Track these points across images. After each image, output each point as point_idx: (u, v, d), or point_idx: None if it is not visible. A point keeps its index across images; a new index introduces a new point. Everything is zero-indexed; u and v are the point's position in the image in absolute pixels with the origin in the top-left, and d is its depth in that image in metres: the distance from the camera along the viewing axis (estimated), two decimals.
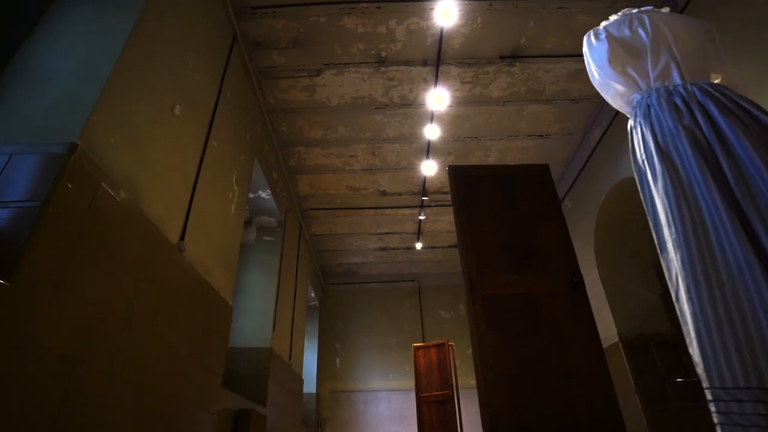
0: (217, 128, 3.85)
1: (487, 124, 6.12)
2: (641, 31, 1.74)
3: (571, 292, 2.60)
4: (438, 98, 5.39)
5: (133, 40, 2.55)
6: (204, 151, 3.56)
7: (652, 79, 1.66)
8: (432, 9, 4.54)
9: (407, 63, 5.14)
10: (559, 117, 6.07)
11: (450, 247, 9.40)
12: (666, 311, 5.79)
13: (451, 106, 5.73)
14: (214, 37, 3.86)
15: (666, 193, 1.43)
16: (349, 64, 5.14)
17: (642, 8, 1.90)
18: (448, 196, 7.44)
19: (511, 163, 6.86)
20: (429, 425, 6.36)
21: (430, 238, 8.95)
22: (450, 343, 7.04)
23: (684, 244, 1.33)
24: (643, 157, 1.59)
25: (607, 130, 5.82)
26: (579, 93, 5.68)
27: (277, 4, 4.44)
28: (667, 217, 1.41)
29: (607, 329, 5.94)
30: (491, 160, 6.81)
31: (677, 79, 1.62)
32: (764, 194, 1.28)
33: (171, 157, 3.02)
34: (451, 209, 7.94)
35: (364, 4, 4.52)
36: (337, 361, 9.35)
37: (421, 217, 7.96)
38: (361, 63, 5.13)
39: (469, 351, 9.80)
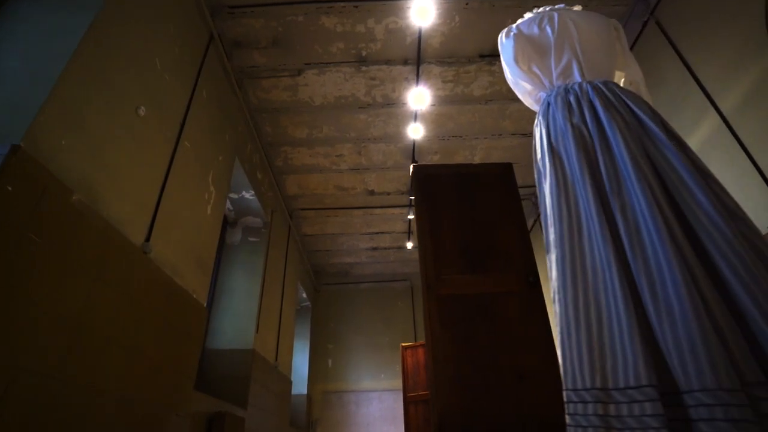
0: (191, 129, 3.83)
1: (470, 123, 6.08)
2: (548, 29, 1.74)
3: (527, 291, 2.56)
4: (420, 97, 5.36)
5: (89, 40, 2.52)
6: (174, 152, 3.54)
7: (554, 77, 1.66)
8: (409, 8, 4.51)
9: (388, 62, 5.11)
10: None
11: None
12: None
13: (433, 105, 5.69)
14: (187, 37, 3.84)
15: (551, 191, 1.41)
16: (330, 63, 5.11)
17: (555, 6, 1.89)
18: None
19: (493, 162, 6.82)
20: (415, 425, 6.32)
21: None
22: None
23: (559, 243, 1.32)
24: (539, 155, 1.59)
25: None
26: None
27: (254, 3, 4.42)
28: (551, 217, 1.39)
29: None
30: (477, 159, 6.77)
31: (577, 77, 1.61)
32: (630, 192, 1.27)
33: (135, 159, 3.00)
34: None
35: (342, 3, 4.49)
36: (329, 361, 9.33)
37: (410, 217, 7.93)
38: (342, 62, 5.10)
39: None
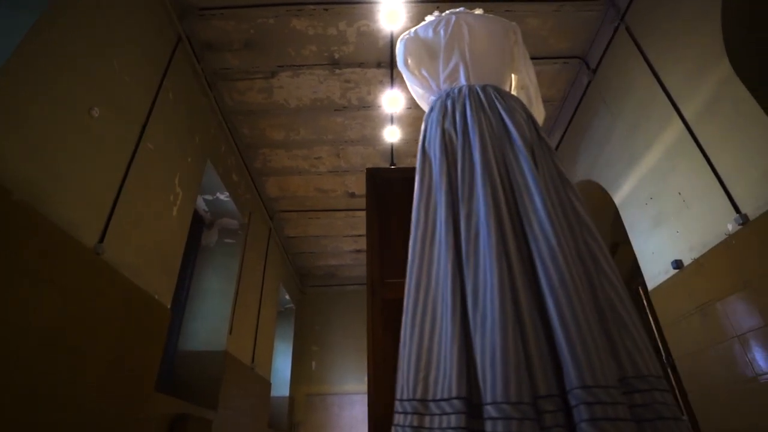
0: (154, 130, 3.82)
1: None
2: (441, 33, 1.74)
3: None
4: (394, 100, 5.35)
5: (31, 40, 2.52)
6: (134, 154, 3.53)
7: (441, 80, 1.64)
8: (379, 11, 4.51)
9: (361, 65, 5.11)
10: None
11: None
12: None
13: (410, 108, 5.68)
14: (151, 38, 3.84)
15: (416, 196, 1.41)
16: (303, 66, 5.11)
17: (455, 9, 1.89)
18: None
19: None
20: None
21: None
22: None
23: (412, 249, 1.31)
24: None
25: (565, 132, 5.78)
26: None
27: (224, 5, 4.42)
28: (412, 222, 1.38)
29: None
30: None
31: (463, 81, 1.60)
32: (479, 197, 1.24)
33: (87, 160, 3.00)
34: None
35: (312, 6, 4.49)
36: (313, 363, 9.31)
37: None
38: (315, 65, 5.10)
39: None
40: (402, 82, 5.31)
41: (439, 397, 1.05)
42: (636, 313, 1.14)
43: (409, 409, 1.09)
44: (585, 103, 5.30)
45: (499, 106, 1.46)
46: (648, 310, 4.34)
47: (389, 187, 2.96)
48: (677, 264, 3.77)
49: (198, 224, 5.99)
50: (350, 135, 6.15)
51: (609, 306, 1.13)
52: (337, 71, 5.18)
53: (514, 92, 1.83)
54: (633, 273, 4.46)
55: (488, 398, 0.97)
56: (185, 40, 4.41)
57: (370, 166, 6.70)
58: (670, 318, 3.91)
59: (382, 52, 4.98)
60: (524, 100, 1.78)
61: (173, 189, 4.20)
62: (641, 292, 4.40)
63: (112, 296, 3.19)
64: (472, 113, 1.44)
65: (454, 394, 1.01)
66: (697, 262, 3.55)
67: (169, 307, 4.02)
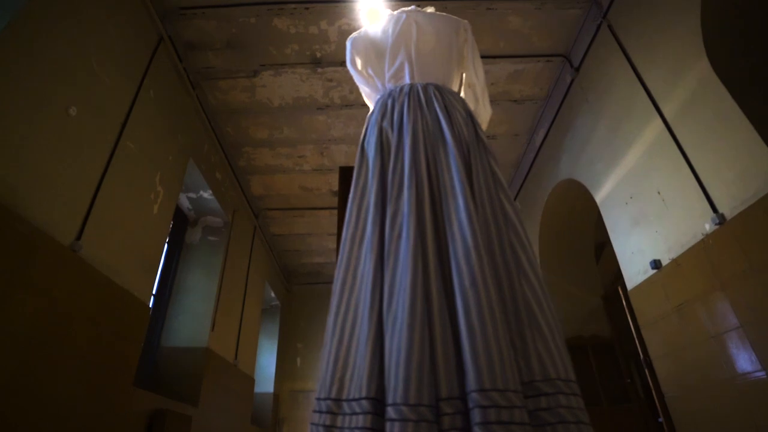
0: (134, 129, 3.84)
1: None
2: (390, 32, 1.76)
3: None
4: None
5: (5, 41, 2.54)
6: (113, 153, 3.56)
7: (386, 79, 1.67)
8: (360, 10, 4.55)
9: (343, 64, 5.14)
10: (504, 118, 6.08)
11: None
12: (606, 314, 5.82)
13: None
14: (131, 38, 3.86)
15: (351, 195, 1.41)
16: (285, 65, 5.14)
17: (406, 8, 1.92)
18: None
19: None
20: None
21: None
22: None
23: (341, 248, 1.31)
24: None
25: (549, 131, 5.85)
26: (520, 94, 5.70)
27: (205, 5, 4.44)
28: (345, 221, 1.39)
29: None
30: None
31: (407, 80, 1.62)
32: (405, 197, 1.24)
33: (64, 159, 3.02)
34: None
35: (293, 5, 4.52)
36: (298, 360, 9.36)
37: None
38: (297, 64, 5.14)
39: None
40: None
41: (351, 396, 1.06)
42: (553, 314, 1.13)
43: (324, 408, 1.09)
44: (568, 102, 5.34)
45: (436, 105, 1.47)
46: (627, 311, 4.40)
47: None
48: (655, 264, 3.80)
49: (182, 222, 6.01)
50: (334, 133, 6.19)
51: (526, 307, 1.12)
52: (319, 70, 5.22)
53: (462, 90, 1.85)
54: (618, 273, 4.48)
55: (390, 399, 0.96)
56: (167, 40, 4.43)
57: (353, 164, 6.74)
58: (648, 318, 3.95)
59: None
60: (470, 99, 1.82)
61: (154, 187, 4.23)
62: (620, 291, 4.47)
63: (89, 293, 3.22)
64: (408, 112, 1.45)
65: (363, 394, 1.01)
66: (675, 262, 3.58)
67: (150, 304, 4.05)
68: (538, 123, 6.10)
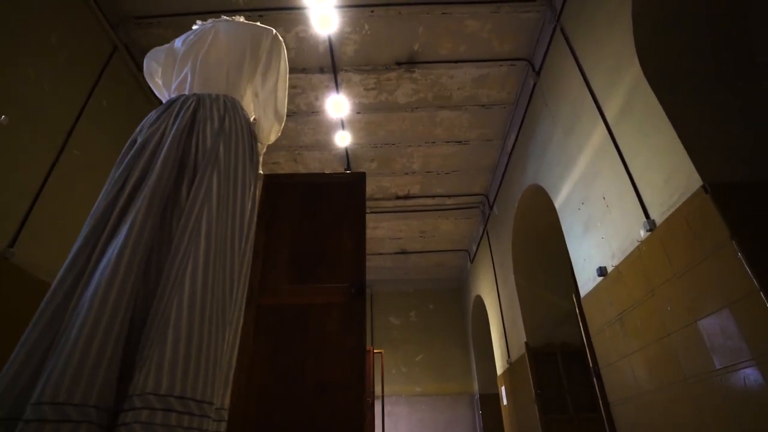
0: (82, 137, 3.90)
1: (401, 131, 6.10)
2: (188, 43, 1.74)
3: (349, 303, 2.56)
4: (338, 105, 5.40)
5: None
6: (57, 160, 3.61)
7: (172, 89, 1.65)
8: (312, 17, 4.56)
9: (304, 70, 5.16)
10: (475, 123, 6.02)
11: (397, 253, 9.37)
12: (578, 320, 5.67)
13: (359, 112, 5.72)
14: (78, 47, 3.92)
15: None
16: None
17: (217, 19, 1.91)
18: (382, 203, 7.45)
19: (434, 170, 6.83)
20: None
21: (374, 245, 8.93)
22: (377, 351, 7.01)
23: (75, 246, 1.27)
24: None
25: (518, 136, 5.76)
26: (488, 99, 5.64)
27: (160, 14, 4.50)
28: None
29: (519, 338, 5.86)
30: (416, 167, 6.79)
31: (187, 90, 1.60)
32: (133, 210, 1.22)
33: None
34: (392, 216, 7.94)
35: (247, 13, 4.55)
36: None
37: None
38: None
39: (418, 357, 9.73)
40: (349, 87, 5.39)
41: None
42: (190, 328, 1.07)
43: None
44: (532, 106, 5.25)
45: (191, 115, 1.44)
46: (579, 319, 4.30)
47: (283, 194, 3.00)
48: (601, 271, 3.70)
49: None
50: (305, 140, 6.20)
51: (162, 318, 1.07)
52: None
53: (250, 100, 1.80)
54: None
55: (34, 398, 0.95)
56: (122, 49, 4.49)
57: (329, 170, 6.76)
58: (597, 326, 3.86)
59: (323, 57, 5.03)
60: (256, 109, 1.79)
61: None
62: (574, 299, 4.37)
63: (23, 297, 3.26)
64: (162, 123, 1.43)
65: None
66: (617, 270, 3.48)
67: None
68: (509, 128, 6.02)
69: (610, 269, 3.59)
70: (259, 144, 1.75)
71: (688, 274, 2.63)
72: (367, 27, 4.74)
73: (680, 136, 2.70)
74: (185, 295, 1.08)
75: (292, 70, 5.15)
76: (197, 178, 1.31)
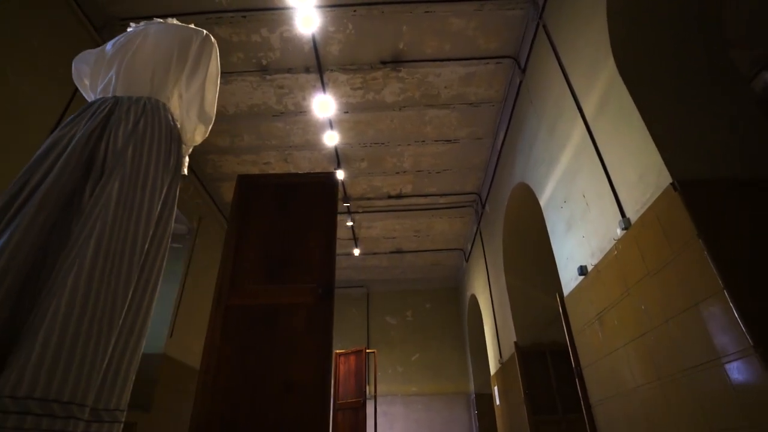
0: None
1: (390, 130, 6.08)
2: (117, 45, 1.73)
3: (316, 303, 2.55)
4: (325, 105, 5.39)
5: None
6: None
7: (97, 92, 1.63)
8: (296, 18, 4.56)
9: (290, 70, 5.16)
10: (464, 121, 5.99)
11: (392, 253, 9.35)
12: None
13: (347, 112, 5.72)
14: (62, 49, 3.93)
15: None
16: (233, 72, 5.18)
17: (150, 21, 1.89)
18: (375, 203, 7.45)
19: (425, 169, 6.81)
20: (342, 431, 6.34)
21: (369, 244, 8.92)
22: (370, 351, 7.01)
23: None
24: None
25: (506, 134, 5.73)
26: (476, 97, 5.61)
27: (143, 15, 4.50)
28: None
29: (510, 338, 5.83)
30: (407, 166, 6.77)
31: (111, 92, 1.58)
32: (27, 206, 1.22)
33: None
34: (385, 215, 7.93)
35: (230, 14, 4.56)
36: None
37: (349, 223, 7.95)
38: (245, 72, 5.17)
39: (414, 357, 9.72)
40: (336, 87, 5.38)
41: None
42: (63, 330, 1.06)
43: None
44: (519, 104, 5.22)
45: (104, 117, 1.43)
46: (563, 318, 4.26)
47: (257, 193, 2.99)
48: (582, 270, 3.66)
49: None
50: (294, 140, 6.20)
51: (36, 320, 1.06)
52: (268, 77, 5.24)
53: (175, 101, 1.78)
54: None
55: None
56: None
57: (319, 170, 6.76)
58: (578, 326, 3.83)
59: (309, 57, 5.02)
60: (180, 110, 1.77)
61: None
62: (558, 299, 4.34)
63: None
64: (74, 126, 1.42)
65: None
66: (596, 269, 3.45)
67: None
68: (498, 126, 6.00)
69: (590, 268, 3.55)
70: (183, 146, 1.72)
71: (660, 273, 2.60)
72: (350, 26, 4.73)
73: (652, 133, 2.67)
74: (64, 298, 1.07)
75: (279, 70, 5.16)
76: (102, 180, 1.31)
